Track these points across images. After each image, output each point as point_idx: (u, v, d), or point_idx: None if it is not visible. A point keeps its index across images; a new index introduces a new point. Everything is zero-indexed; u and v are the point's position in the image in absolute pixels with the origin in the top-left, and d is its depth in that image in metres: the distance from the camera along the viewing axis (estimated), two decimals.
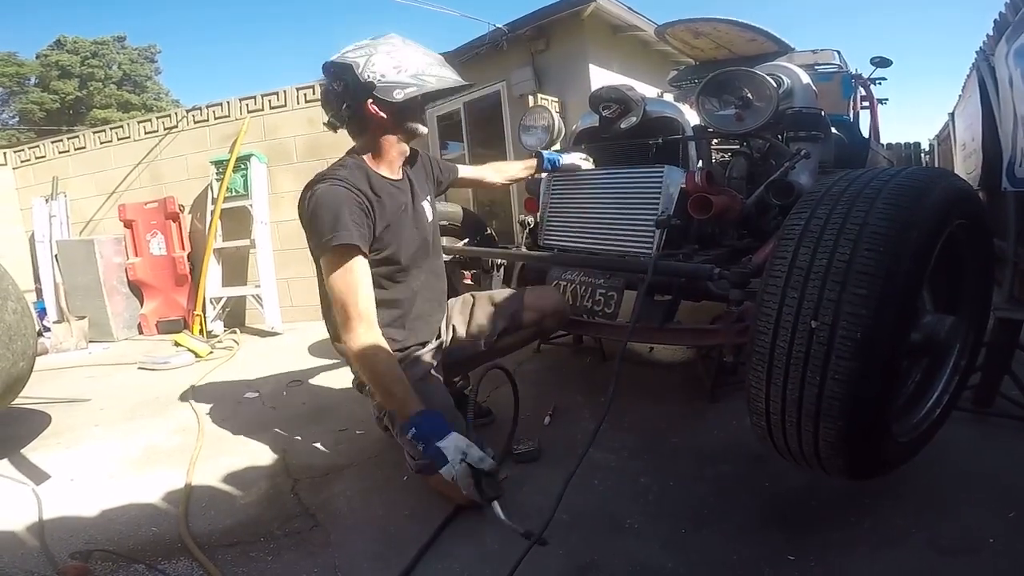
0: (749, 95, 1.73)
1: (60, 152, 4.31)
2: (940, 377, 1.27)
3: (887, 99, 4.10)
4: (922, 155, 8.88)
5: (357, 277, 1.26)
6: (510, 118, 4.87)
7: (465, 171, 1.81)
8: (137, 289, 3.95)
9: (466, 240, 2.20)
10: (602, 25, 4.70)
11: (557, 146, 2.13)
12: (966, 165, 3.64)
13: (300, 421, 1.87)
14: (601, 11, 4.44)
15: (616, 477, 1.35)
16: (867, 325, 0.87)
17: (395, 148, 1.42)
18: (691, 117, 1.87)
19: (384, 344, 1.28)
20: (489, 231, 2.25)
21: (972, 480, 1.21)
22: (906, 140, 9.16)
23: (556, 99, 4.53)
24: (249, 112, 3.78)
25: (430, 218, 1.51)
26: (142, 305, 3.95)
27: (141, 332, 3.91)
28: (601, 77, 4.51)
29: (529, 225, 2.00)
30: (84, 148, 4.23)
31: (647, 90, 4.71)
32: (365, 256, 1.29)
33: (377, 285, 1.34)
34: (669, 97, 3.70)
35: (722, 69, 1.80)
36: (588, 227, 1.80)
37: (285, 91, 3.75)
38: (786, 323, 0.95)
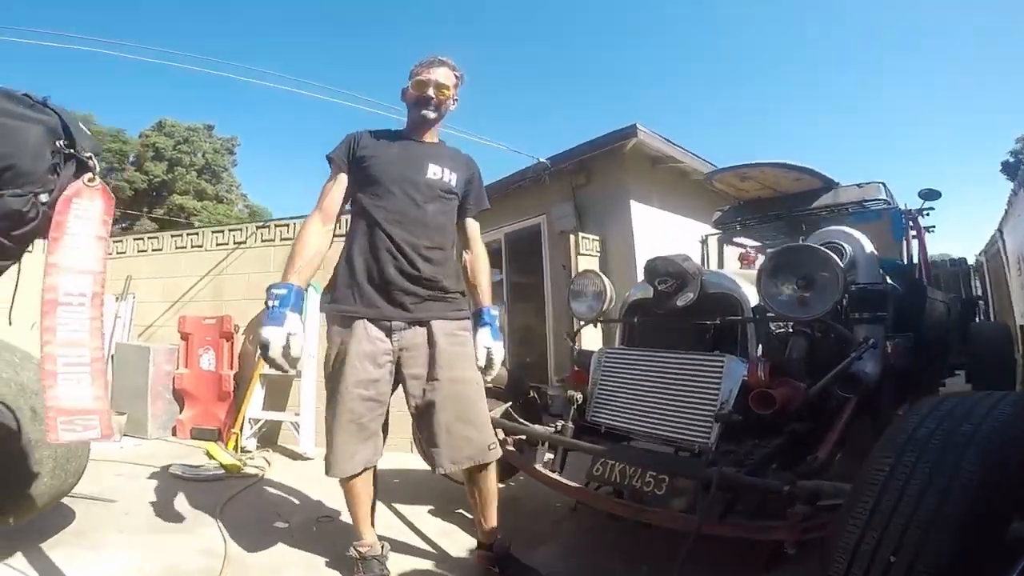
0: (812, 275, 1.66)
1: (139, 251, 4.59)
2: None
3: (934, 227, 3.56)
4: (971, 273, 8.37)
5: (331, 184, 1.69)
6: (549, 252, 4.90)
7: (472, 229, 1.78)
8: (179, 396, 4.02)
9: (509, 404, 2.12)
10: (641, 157, 4.81)
11: (602, 316, 2.08)
12: None
13: (330, 563, 1.76)
14: (642, 144, 4.53)
15: None
16: (945, 566, 0.82)
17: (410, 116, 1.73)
18: (748, 292, 1.83)
19: (317, 227, 1.64)
20: (531, 394, 2.19)
21: None
22: (950, 255, 8.57)
23: (597, 237, 4.54)
24: None
25: (429, 175, 1.65)
26: (181, 411, 4.00)
27: (174, 434, 3.92)
28: (642, 213, 4.56)
29: (577, 401, 1.90)
30: (161, 250, 4.49)
31: (688, 224, 4.71)
32: (343, 172, 1.69)
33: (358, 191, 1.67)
34: (713, 241, 3.73)
35: (784, 245, 1.77)
36: (640, 408, 1.73)
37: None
38: (863, 555, 0.90)
